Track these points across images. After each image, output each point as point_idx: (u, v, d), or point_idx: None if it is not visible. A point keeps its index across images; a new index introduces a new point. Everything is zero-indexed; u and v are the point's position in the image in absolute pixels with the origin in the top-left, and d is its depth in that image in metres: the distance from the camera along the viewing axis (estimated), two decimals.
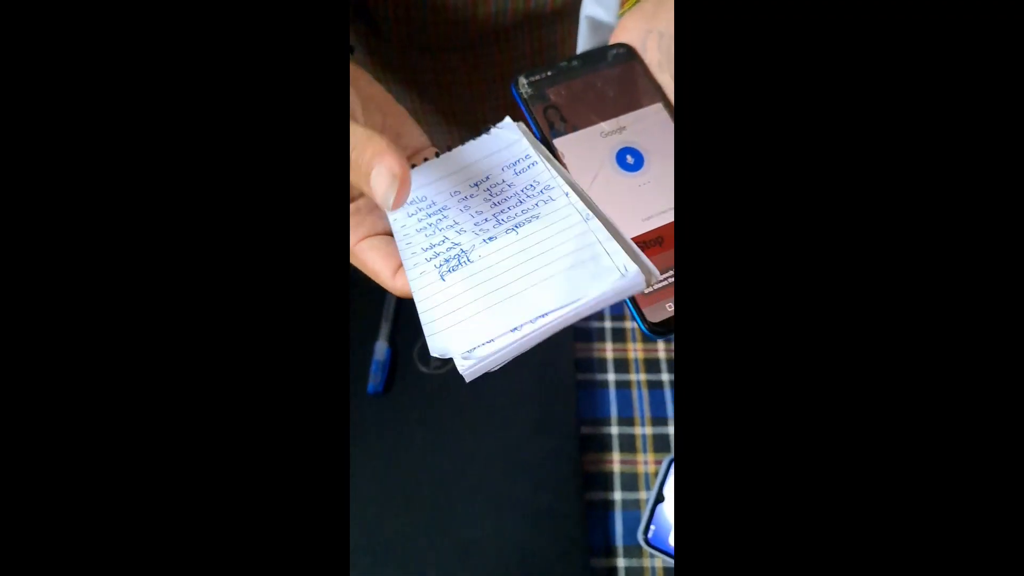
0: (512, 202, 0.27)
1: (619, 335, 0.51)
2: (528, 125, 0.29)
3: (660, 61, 0.30)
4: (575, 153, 0.28)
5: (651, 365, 0.50)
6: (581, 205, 0.26)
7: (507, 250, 0.25)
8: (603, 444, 0.47)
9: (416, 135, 0.31)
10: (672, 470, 0.44)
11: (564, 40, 0.53)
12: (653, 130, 0.30)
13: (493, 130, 0.30)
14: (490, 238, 0.26)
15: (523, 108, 0.29)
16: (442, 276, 0.25)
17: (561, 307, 0.23)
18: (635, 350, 0.51)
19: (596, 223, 0.25)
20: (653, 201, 0.28)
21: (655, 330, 0.25)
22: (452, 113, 0.57)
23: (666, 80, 0.30)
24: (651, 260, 0.25)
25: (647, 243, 0.27)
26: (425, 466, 0.45)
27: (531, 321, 0.23)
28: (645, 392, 0.49)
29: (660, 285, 0.26)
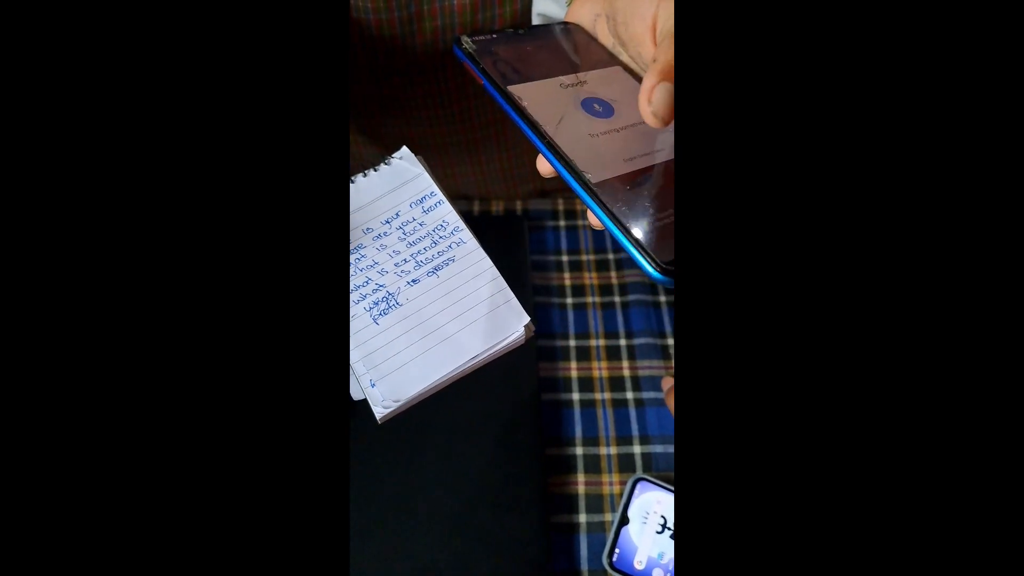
0: (427, 243, 0.29)
1: (583, 353, 0.51)
2: (477, 77, 0.27)
3: (613, 44, 0.29)
4: (535, 99, 0.25)
5: (616, 384, 0.50)
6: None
7: (432, 293, 0.28)
8: (568, 465, 0.46)
9: None
10: (636, 490, 0.44)
11: None
12: (618, 86, 0.27)
13: (393, 161, 0.31)
14: (414, 280, 0.28)
15: (469, 63, 0.27)
16: (375, 320, 0.27)
17: (488, 348, 0.26)
18: (599, 368, 0.50)
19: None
20: (633, 143, 0.25)
21: (668, 271, 0.21)
22: (408, 139, 0.57)
23: (625, 60, 0.28)
24: (646, 196, 0.23)
25: (639, 182, 0.23)
26: (383, 490, 0.44)
27: (464, 363, 0.26)
28: (610, 411, 0.48)
29: (664, 221, 0.23)
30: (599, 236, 0.57)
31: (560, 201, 0.59)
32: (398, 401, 0.26)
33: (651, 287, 0.54)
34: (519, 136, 0.75)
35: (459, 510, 0.43)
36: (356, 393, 0.27)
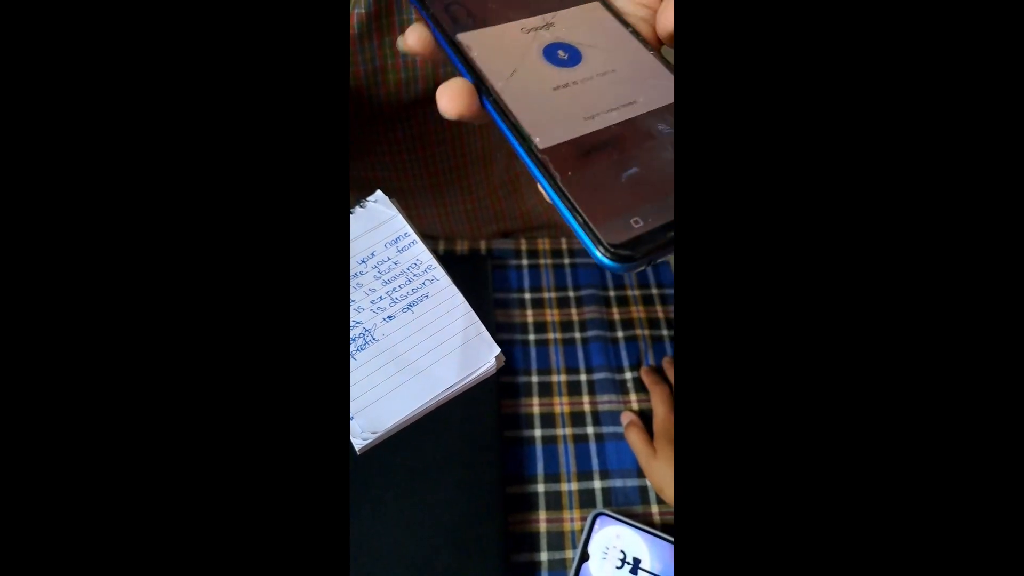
0: (401, 280, 0.31)
1: (545, 389, 0.52)
2: (425, 23, 0.24)
3: None
4: (487, 48, 0.22)
5: (576, 419, 0.50)
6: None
7: (407, 328, 0.29)
8: (529, 503, 0.46)
9: None
10: (596, 525, 0.44)
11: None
12: (592, 27, 0.24)
13: (368, 204, 0.33)
14: (389, 317, 0.30)
15: (418, 6, 0.24)
16: (352, 355, 0.28)
17: (462, 379, 0.28)
18: (561, 404, 0.51)
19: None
20: (598, 97, 0.21)
21: (618, 256, 0.18)
22: (375, 182, 0.58)
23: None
24: (603, 163, 0.20)
25: (597, 145, 0.20)
26: None
27: (439, 394, 0.27)
28: (571, 446, 0.49)
29: (623, 195, 0.19)
30: (560, 273, 0.58)
31: (523, 241, 0.60)
32: (376, 433, 0.26)
33: (609, 323, 0.55)
34: (482, 179, 0.76)
35: (420, 551, 0.43)
36: None
